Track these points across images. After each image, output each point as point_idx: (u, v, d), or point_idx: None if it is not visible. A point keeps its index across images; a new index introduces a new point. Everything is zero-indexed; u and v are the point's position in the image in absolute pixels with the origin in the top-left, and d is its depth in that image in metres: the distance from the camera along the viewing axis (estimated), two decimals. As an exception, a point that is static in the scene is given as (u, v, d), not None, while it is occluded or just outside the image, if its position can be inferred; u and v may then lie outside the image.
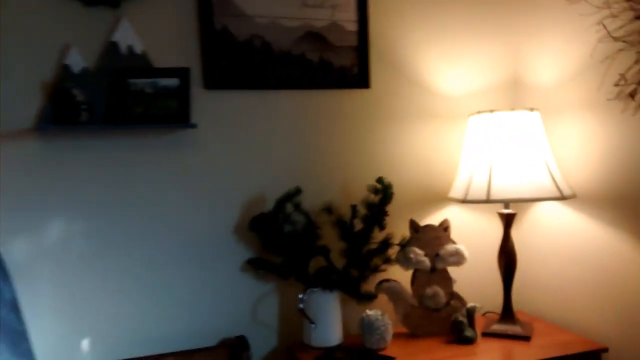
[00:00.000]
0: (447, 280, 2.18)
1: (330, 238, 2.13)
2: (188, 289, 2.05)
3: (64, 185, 1.88)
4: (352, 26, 2.18)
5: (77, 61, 1.85)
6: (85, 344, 1.93)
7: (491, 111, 2.09)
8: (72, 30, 1.86)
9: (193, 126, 1.91)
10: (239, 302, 2.12)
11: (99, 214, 1.93)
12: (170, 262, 2.03)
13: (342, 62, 2.18)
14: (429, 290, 2.15)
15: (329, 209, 2.13)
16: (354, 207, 2.08)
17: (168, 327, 2.03)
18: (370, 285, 2.15)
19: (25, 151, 1.84)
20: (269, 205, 2.11)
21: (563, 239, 2.20)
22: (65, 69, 1.84)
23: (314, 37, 2.13)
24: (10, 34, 1.80)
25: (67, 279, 1.90)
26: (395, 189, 2.27)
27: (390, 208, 2.13)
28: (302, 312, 2.03)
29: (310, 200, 2.15)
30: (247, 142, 2.09)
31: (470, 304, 2.11)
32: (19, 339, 1.76)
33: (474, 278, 2.38)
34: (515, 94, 2.45)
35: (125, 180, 1.95)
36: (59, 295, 1.89)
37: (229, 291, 2.10)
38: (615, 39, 1.91)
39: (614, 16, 1.91)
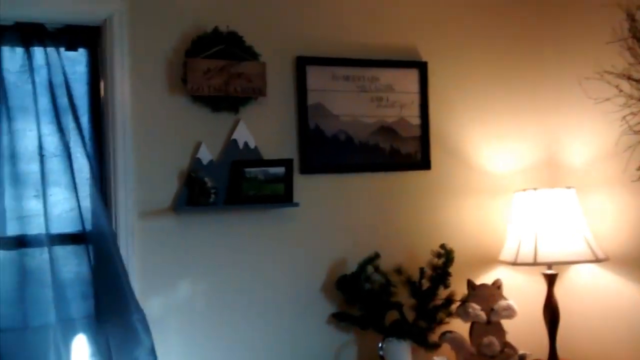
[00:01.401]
0: (500, 331, 2.57)
1: (402, 295, 2.55)
2: (282, 338, 2.47)
3: (192, 253, 2.36)
4: (416, 121, 2.69)
5: (205, 155, 2.37)
6: (205, 384, 2.36)
7: (534, 189, 2.55)
8: (202, 130, 2.39)
9: (296, 205, 2.40)
10: (325, 349, 2.53)
11: (217, 275, 2.40)
12: (269, 316, 2.46)
13: (408, 149, 2.67)
14: (486, 340, 2.54)
15: (399, 270, 2.56)
16: (422, 270, 2.52)
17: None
18: (435, 336, 2.55)
19: (163, 226, 2.33)
20: (350, 267, 2.55)
21: (599, 296, 2.60)
22: (196, 161, 2.35)
23: (386, 130, 2.64)
24: (154, 131, 2.32)
25: (191, 330, 2.35)
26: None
27: (450, 269, 2.55)
28: (382, 358, 2.43)
29: (383, 263, 2.59)
30: (334, 215, 2.57)
31: (521, 352, 2.49)
32: (155, 380, 2.20)
33: (523, 329, 2.74)
34: (552, 171, 2.90)
35: (238, 248, 2.43)
36: (186, 344, 2.34)
37: (316, 340, 2.52)
38: (636, 132, 2.37)
39: (633, 114, 2.37)
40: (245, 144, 2.42)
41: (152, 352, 2.19)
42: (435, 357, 2.49)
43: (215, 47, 2.34)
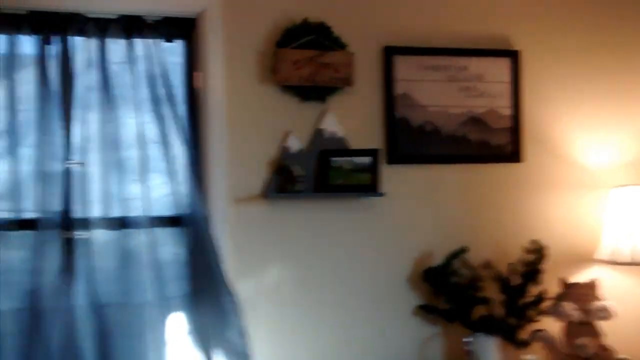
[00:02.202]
0: (596, 333, 2.45)
1: (489, 290, 2.48)
2: (367, 328, 2.48)
3: (281, 239, 2.42)
4: (506, 111, 2.61)
5: (294, 143, 2.41)
6: (290, 368, 2.40)
7: (635, 185, 2.41)
8: (291, 119, 2.43)
9: (382, 194, 2.40)
10: (410, 341, 2.51)
11: (305, 261, 2.44)
12: (354, 304, 2.47)
13: (498, 141, 2.60)
14: (579, 341, 2.42)
15: (487, 265, 2.50)
16: (511, 265, 2.45)
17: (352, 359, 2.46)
18: (525, 333, 2.46)
19: (254, 212, 2.40)
20: (436, 259, 2.52)
21: None
22: (285, 150, 2.40)
23: (475, 121, 2.58)
24: (245, 120, 2.39)
25: (280, 314, 2.40)
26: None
27: (541, 266, 2.46)
28: (469, 353, 2.38)
29: (471, 257, 2.53)
30: (420, 206, 2.54)
31: (621, 356, 2.36)
32: (244, 360, 2.27)
33: (622, 332, 2.60)
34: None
35: (326, 235, 2.46)
36: (273, 326, 2.39)
37: (401, 331, 2.51)
38: None
39: None
40: (333, 133, 2.45)
41: (243, 333, 2.25)
42: (524, 356, 2.40)
43: (304, 37, 2.38)
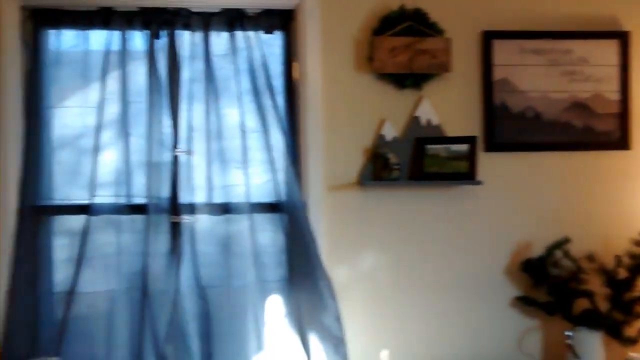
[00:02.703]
0: None
1: (593, 283, 2.38)
2: (462, 317, 2.45)
3: (376, 226, 2.43)
4: (614, 96, 2.47)
5: (389, 132, 2.41)
6: (384, 354, 2.42)
7: None
8: (387, 107, 2.43)
9: (479, 183, 2.35)
10: (508, 332, 2.46)
11: (399, 249, 2.44)
12: (449, 294, 2.45)
13: (604, 127, 2.47)
14: (693, 340, 2.28)
15: (591, 257, 2.39)
16: (618, 258, 2.33)
17: (445, 349, 2.44)
18: (632, 330, 2.34)
19: (349, 199, 2.43)
20: (535, 250, 2.44)
21: None
22: (381, 138, 2.41)
23: (579, 106, 2.47)
24: (341, 108, 2.42)
25: (374, 300, 2.43)
26: (656, 243, 2.45)
27: (651, 260, 2.32)
28: (570, 347, 2.30)
29: (573, 248, 2.43)
30: (519, 195, 2.47)
31: None
32: (339, 344, 2.31)
33: None
34: None
35: (421, 223, 2.44)
36: (367, 312, 2.42)
37: (499, 322, 2.46)
38: None
39: None
40: (428, 120, 2.42)
41: (338, 318, 2.30)
42: (632, 354, 2.29)
43: (400, 24, 2.37)
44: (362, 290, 2.43)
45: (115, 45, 2.32)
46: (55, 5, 2.29)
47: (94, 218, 2.28)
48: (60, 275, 2.32)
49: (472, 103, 2.46)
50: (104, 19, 2.31)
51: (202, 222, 2.33)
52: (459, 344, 2.44)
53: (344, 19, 2.42)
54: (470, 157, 2.37)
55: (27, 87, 2.30)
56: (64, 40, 2.35)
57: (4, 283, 2.23)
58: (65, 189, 2.35)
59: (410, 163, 2.41)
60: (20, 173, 2.26)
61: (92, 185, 2.28)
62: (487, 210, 2.46)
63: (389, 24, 2.37)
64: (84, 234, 2.26)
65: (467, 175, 2.37)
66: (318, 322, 2.31)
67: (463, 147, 2.38)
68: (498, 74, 2.45)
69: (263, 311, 2.33)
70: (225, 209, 2.34)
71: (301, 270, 2.33)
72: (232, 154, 2.35)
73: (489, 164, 2.44)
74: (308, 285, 2.31)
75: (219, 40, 2.38)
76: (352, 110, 2.43)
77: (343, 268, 2.41)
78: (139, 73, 2.35)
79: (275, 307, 2.36)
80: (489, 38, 2.45)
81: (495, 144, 2.44)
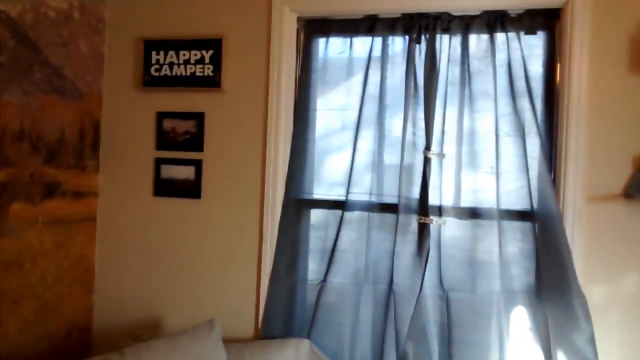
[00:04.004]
0: None
1: None
2: None
3: (642, 245, 2.18)
4: None
5: (667, 140, 2.13)
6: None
7: None
8: None
9: None
10: None
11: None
12: None
13: None
14: None
15: None
16: None
17: None
18: None
19: (612, 212, 2.21)
20: None
21: None
22: (655, 147, 2.15)
23: None
24: (609, 113, 2.20)
25: (633, 327, 2.18)
26: None
27: None
28: None
29: None
30: None
31: None
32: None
33: None
34: None
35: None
36: (625, 339, 2.18)
37: None
38: None
39: None
40: None
41: (592, 340, 2.13)
42: None
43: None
44: (621, 314, 2.20)
45: (377, 51, 2.45)
46: (326, 15, 2.51)
47: (347, 213, 2.44)
48: (314, 264, 2.53)
49: None
50: (369, 26, 2.45)
51: (449, 225, 2.34)
52: None
53: (617, 16, 2.20)
54: None
55: (298, 91, 2.56)
56: (330, 48, 2.55)
57: (269, 268, 2.52)
58: (322, 184, 2.57)
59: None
60: (288, 169, 2.53)
61: (348, 182, 2.44)
62: None
63: (674, 19, 2.10)
64: (338, 228, 2.44)
65: None
66: (568, 342, 2.16)
67: None
68: None
69: (508, 322, 2.26)
70: (473, 213, 2.32)
71: (552, 284, 2.20)
72: (484, 158, 2.32)
73: None
74: (559, 301, 2.17)
75: (477, 42, 2.36)
76: (621, 115, 2.21)
77: (600, 287, 2.21)
78: (396, 77, 2.44)
79: (520, 319, 2.27)
80: None
81: None
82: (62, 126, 2.50)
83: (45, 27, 2.39)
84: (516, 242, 2.29)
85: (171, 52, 2.62)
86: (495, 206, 2.28)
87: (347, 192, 2.44)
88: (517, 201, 2.29)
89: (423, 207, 2.36)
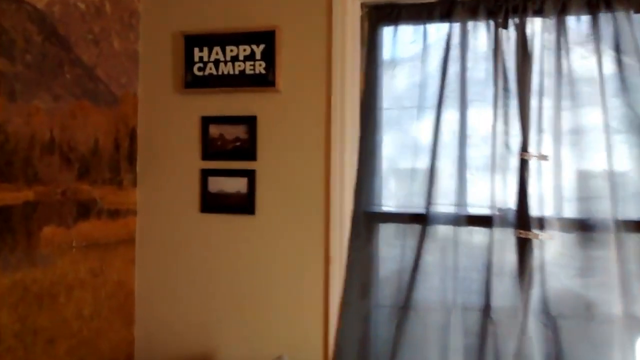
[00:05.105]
0: None
1: None
2: None
3: None
4: None
5: None
6: None
7: None
8: None
9: None
10: None
11: None
12: None
13: None
14: None
15: None
16: None
17: None
18: None
19: None
20: None
21: None
22: None
23: None
24: None
25: None
26: None
27: None
28: None
29: None
30: None
31: None
32: None
33: None
34: None
35: None
36: None
37: None
38: None
39: None
40: None
41: None
42: None
43: None
44: None
45: (455, 39, 2.12)
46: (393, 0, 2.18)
47: (429, 228, 2.10)
48: (390, 288, 2.19)
49: None
50: (445, 10, 2.12)
51: (555, 240, 2.00)
52: None
53: None
54: None
55: (364, 88, 2.23)
56: (399, 37, 2.22)
57: (338, 293, 2.18)
58: (397, 195, 2.23)
59: None
60: (356, 177, 2.20)
61: (429, 192, 2.11)
62: None
63: None
64: (419, 245, 2.10)
65: None
66: None
67: None
68: None
69: (633, 352, 1.90)
70: (583, 225, 1.97)
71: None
72: (592, 160, 1.97)
73: None
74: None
75: (577, 25, 2.02)
76: None
77: None
78: (479, 68, 2.11)
79: (645, 349, 1.92)
80: None
81: None
82: (96, 135, 2.18)
83: (75, 21, 2.07)
84: (637, 258, 1.94)
85: (216, 48, 2.30)
86: (610, 216, 1.93)
87: (428, 203, 2.10)
88: (637, 209, 1.94)
89: (522, 219, 2.01)
